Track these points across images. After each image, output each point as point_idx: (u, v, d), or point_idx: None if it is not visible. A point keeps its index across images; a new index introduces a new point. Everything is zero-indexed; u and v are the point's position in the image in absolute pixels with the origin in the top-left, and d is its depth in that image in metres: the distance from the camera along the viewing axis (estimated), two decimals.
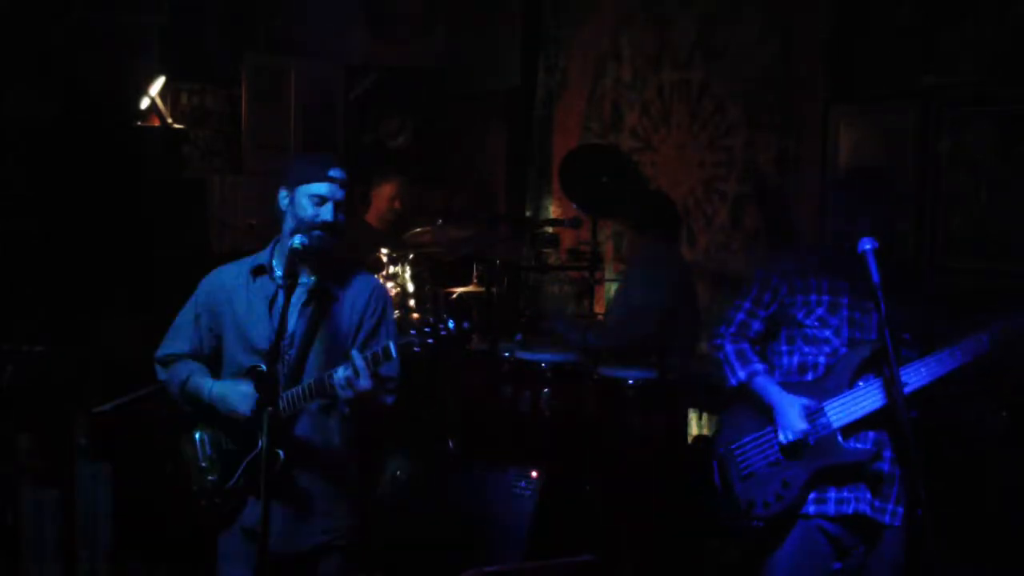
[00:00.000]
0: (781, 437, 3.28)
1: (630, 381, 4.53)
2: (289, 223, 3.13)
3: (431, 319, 2.86)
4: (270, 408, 2.82)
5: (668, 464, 4.53)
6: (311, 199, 3.08)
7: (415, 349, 2.85)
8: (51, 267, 5.85)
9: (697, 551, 4.53)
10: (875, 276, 3.06)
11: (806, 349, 3.34)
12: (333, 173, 3.10)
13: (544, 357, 4.77)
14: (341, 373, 2.93)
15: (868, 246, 3.10)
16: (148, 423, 4.48)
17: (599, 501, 4.55)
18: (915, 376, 3.17)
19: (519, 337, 5.03)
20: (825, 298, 3.32)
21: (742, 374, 3.40)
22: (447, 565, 3.85)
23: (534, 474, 4.21)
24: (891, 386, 3.10)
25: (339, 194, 3.10)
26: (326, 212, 3.08)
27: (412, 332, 2.86)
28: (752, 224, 5.73)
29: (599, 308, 6.00)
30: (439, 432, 5.04)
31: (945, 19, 4.77)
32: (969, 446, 4.03)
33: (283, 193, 3.15)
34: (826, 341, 3.31)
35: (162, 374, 3.33)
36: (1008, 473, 3.98)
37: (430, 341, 2.83)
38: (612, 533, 4.48)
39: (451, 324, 2.82)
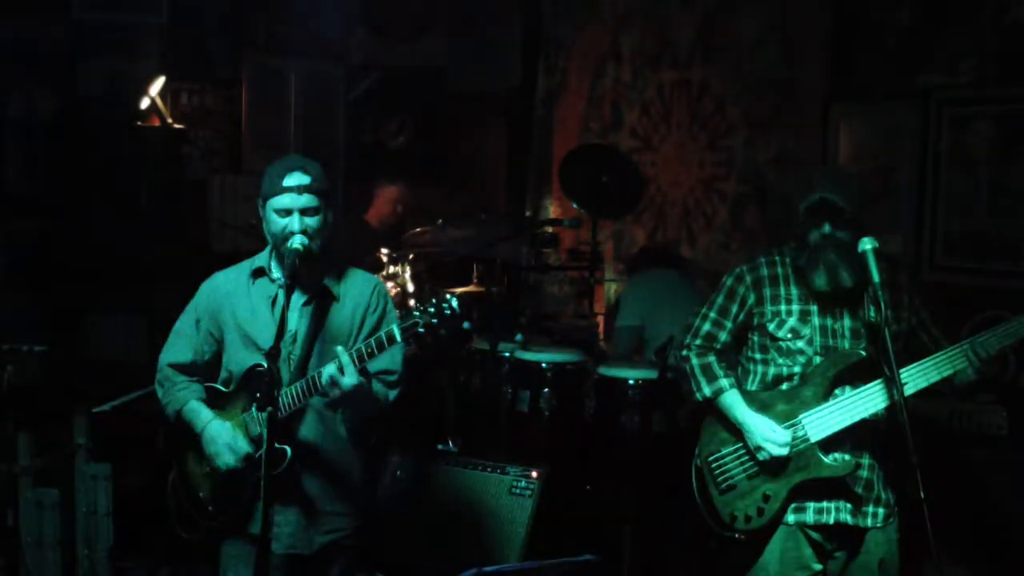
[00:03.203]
0: (762, 455, 3.22)
1: (630, 381, 4.53)
2: (267, 236, 3.13)
3: (433, 299, 2.80)
4: (270, 409, 2.82)
5: (668, 464, 4.53)
6: (277, 213, 3.05)
7: (419, 330, 2.80)
8: (51, 267, 5.86)
9: (697, 551, 4.53)
10: (875, 276, 3.03)
11: (780, 360, 3.27)
12: (289, 182, 3.04)
13: (544, 357, 4.77)
14: (327, 371, 2.91)
15: (868, 246, 3.06)
16: (148, 423, 4.49)
17: (599, 501, 4.55)
18: (910, 383, 3.10)
19: (519, 337, 5.02)
20: (795, 307, 3.25)
21: (707, 390, 3.34)
22: (447, 565, 3.85)
23: (534, 474, 4.21)
24: (891, 388, 3.08)
25: (302, 200, 3.04)
26: (293, 223, 3.03)
27: (415, 313, 2.82)
28: (752, 224, 5.73)
29: (599, 308, 6.01)
30: (439, 432, 5.05)
31: (945, 19, 4.77)
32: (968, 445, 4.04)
33: (259, 209, 3.14)
34: (799, 352, 3.23)
35: (159, 389, 3.31)
36: (1007, 473, 3.98)
37: (434, 321, 2.78)
38: (612, 533, 4.48)
39: (454, 303, 2.78)
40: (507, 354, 4.86)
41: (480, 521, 4.21)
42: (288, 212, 3.04)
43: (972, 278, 4.67)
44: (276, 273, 3.16)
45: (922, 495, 2.86)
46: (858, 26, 5.14)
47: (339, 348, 2.92)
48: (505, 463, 4.32)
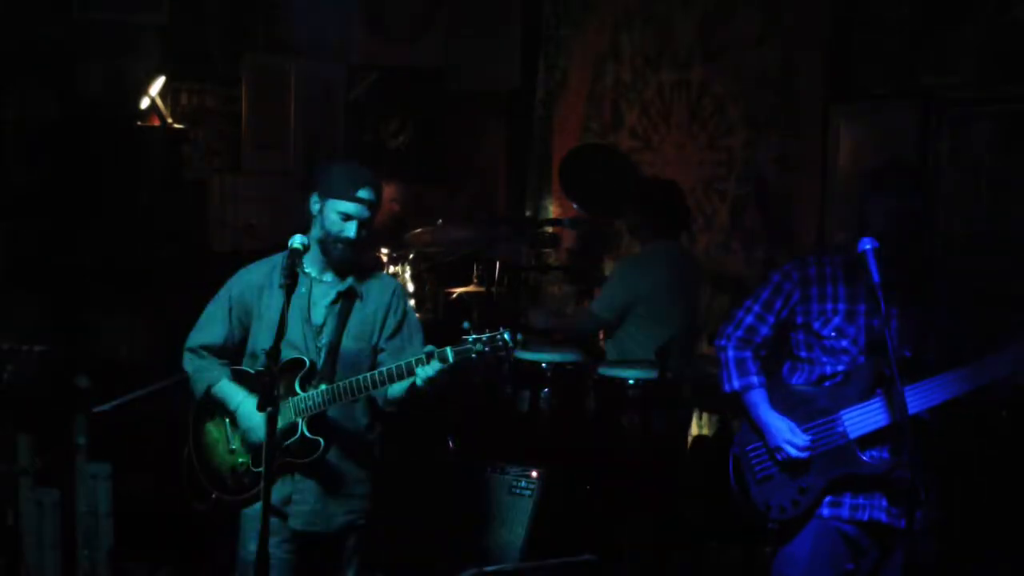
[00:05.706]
0: (781, 455, 3.25)
1: (630, 381, 4.53)
2: (316, 231, 3.31)
3: (487, 329, 3.07)
4: (271, 408, 2.86)
5: (668, 464, 4.53)
6: (339, 215, 3.26)
7: (472, 356, 3.05)
8: (51, 267, 5.85)
9: (697, 551, 4.53)
10: (875, 276, 3.02)
11: (824, 359, 3.28)
12: (362, 194, 3.26)
13: (544, 357, 4.77)
14: (425, 372, 3.09)
15: (868, 246, 3.06)
16: (148, 423, 4.49)
17: (599, 501, 4.55)
18: (936, 392, 3.13)
19: (519, 337, 5.02)
20: (842, 307, 3.25)
21: (737, 384, 3.36)
22: (447, 565, 3.85)
23: (534, 474, 4.22)
24: (891, 389, 3.08)
25: (365, 213, 3.28)
26: (350, 230, 3.26)
27: (469, 339, 3.05)
28: (752, 224, 5.72)
29: None
30: (439, 432, 5.04)
31: (945, 19, 4.77)
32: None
33: (315, 199, 3.32)
34: (844, 351, 3.25)
35: (189, 365, 3.45)
36: (1007, 473, 3.98)
37: (487, 350, 3.04)
38: (612, 533, 4.48)
39: (506, 336, 3.03)
40: None
41: (480, 521, 4.21)
42: (350, 218, 3.26)
43: (972, 279, 4.66)
44: (308, 268, 3.34)
45: (922, 496, 2.88)
46: (858, 26, 5.13)
47: (449, 350, 3.07)
48: (505, 463, 4.33)
